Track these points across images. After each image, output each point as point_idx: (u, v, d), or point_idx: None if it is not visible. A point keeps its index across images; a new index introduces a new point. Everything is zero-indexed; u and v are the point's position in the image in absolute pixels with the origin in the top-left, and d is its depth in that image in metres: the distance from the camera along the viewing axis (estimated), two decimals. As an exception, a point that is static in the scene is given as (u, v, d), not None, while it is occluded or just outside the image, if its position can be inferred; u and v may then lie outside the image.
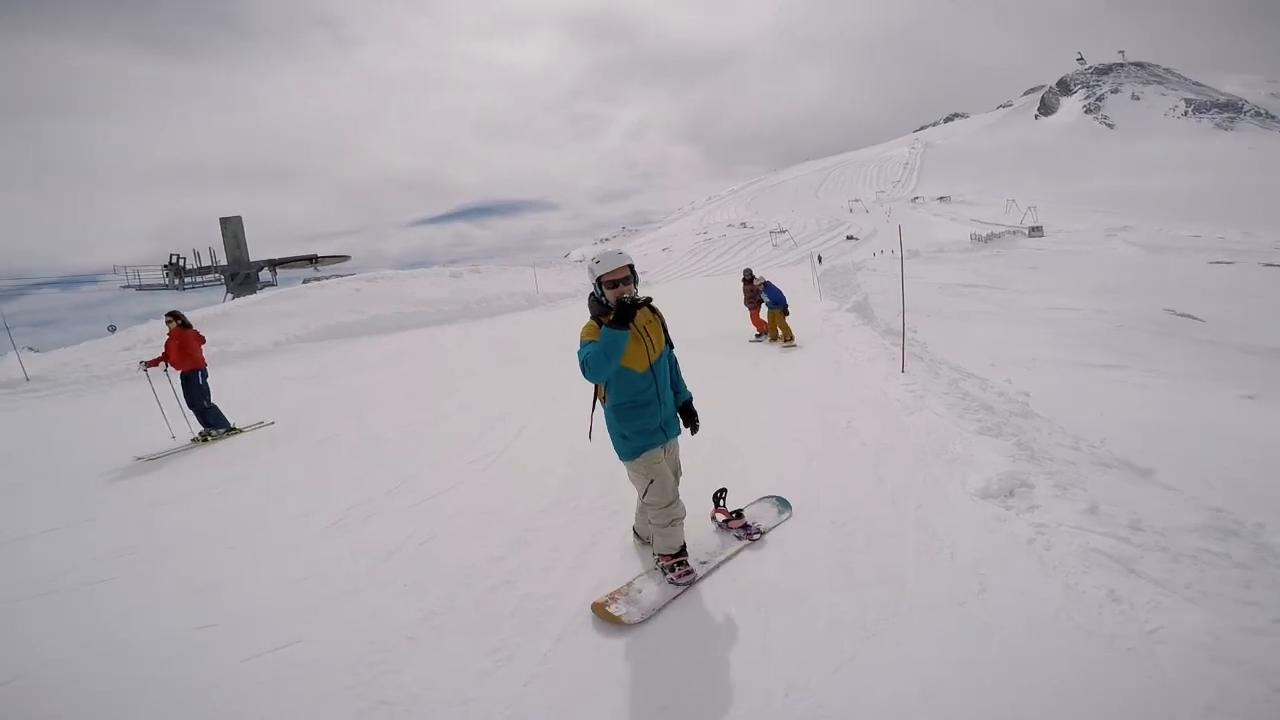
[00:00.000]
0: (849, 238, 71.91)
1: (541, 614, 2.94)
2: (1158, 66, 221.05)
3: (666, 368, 3.07)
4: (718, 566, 3.19)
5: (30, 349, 13.21)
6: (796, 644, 2.56)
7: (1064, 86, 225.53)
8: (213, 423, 7.24)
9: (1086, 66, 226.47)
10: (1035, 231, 43.69)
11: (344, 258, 34.55)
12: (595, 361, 2.71)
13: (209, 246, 30.75)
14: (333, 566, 3.64)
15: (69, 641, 3.15)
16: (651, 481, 2.96)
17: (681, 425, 3.19)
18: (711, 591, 3.03)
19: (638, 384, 2.91)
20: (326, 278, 25.25)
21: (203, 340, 7.65)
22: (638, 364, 2.88)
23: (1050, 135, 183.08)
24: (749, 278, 10.66)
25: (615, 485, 4.04)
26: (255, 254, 31.65)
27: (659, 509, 2.97)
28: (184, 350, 7.27)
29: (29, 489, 5.87)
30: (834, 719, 2.18)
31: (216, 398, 7.38)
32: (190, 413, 7.21)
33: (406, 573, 3.47)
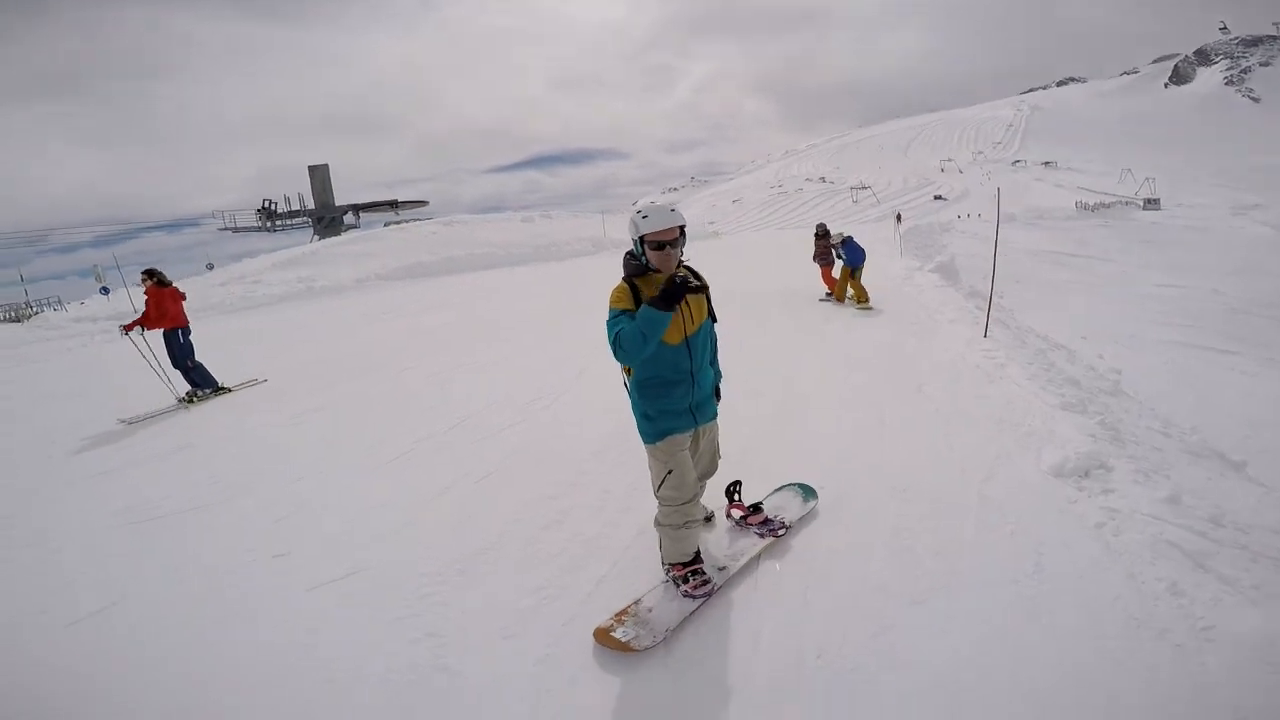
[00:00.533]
0: (936, 197, 67.64)
1: (587, 555, 3.01)
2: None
3: (706, 343, 2.69)
4: (740, 571, 2.82)
5: (137, 284, 14.52)
6: (838, 607, 2.53)
7: (1203, 56, 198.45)
8: (199, 382, 6.88)
9: (1231, 37, 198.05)
10: (1151, 204, 39.48)
11: (422, 203, 36.12)
12: (630, 342, 2.33)
13: (298, 192, 33.10)
14: (394, 499, 3.81)
15: (158, 566, 3.34)
16: (670, 472, 2.58)
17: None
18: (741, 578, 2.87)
19: (669, 359, 2.53)
20: (406, 221, 26.34)
21: (182, 297, 7.21)
22: (670, 335, 2.48)
23: (1180, 106, 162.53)
24: (822, 233, 9.88)
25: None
26: (340, 199, 33.60)
27: (673, 506, 2.59)
28: (161, 309, 6.85)
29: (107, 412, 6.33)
30: (865, 684, 2.15)
31: (302, 329, 7.77)
32: (176, 373, 6.85)
33: (463, 508, 3.62)
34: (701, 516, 2.77)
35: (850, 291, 8.83)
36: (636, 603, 2.64)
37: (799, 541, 3.04)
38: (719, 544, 3.00)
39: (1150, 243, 20.49)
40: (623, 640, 2.40)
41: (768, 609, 2.58)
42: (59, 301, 16.09)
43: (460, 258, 17.30)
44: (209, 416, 6.15)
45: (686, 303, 2.49)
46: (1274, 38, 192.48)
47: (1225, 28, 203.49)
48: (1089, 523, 2.95)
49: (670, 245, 2.43)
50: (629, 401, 2.66)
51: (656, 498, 2.63)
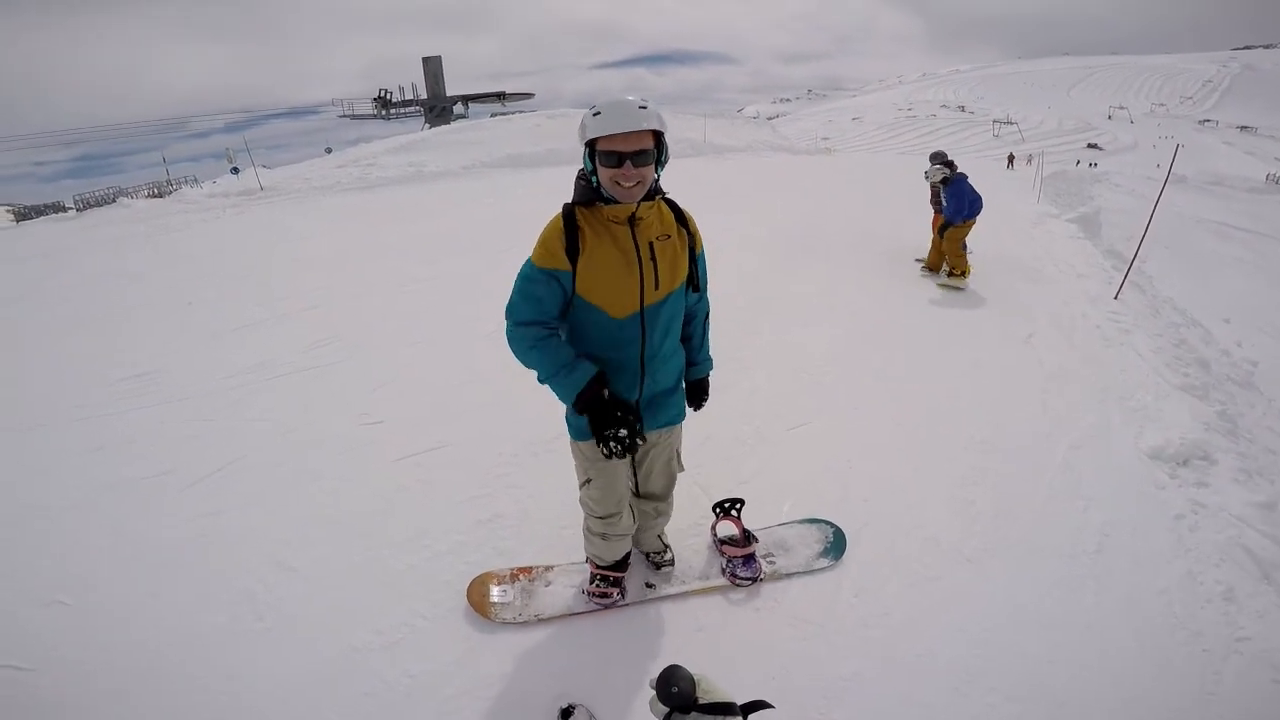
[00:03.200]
0: (1090, 145, 59.46)
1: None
2: None
3: (674, 320, 1.85)
4: (669, 598, 2.28)
5: (264, 166, 15.95)
6: (883, 552, 2.53)
7: None
8: None
9: None
10: (1361, 187, 33.04)
11: (528, 95, 36.05)
12: (523, 355, 1.74)
13: (411, 82, 33.53)
14: (486, 375, 3.89)
15: (270, 429, 3.49)
16: (589, 481, 1.98)
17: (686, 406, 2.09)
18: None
19: (611, 334, 1.75)
20: (512, 113, 26.41)
21: None
22: (619, 304, 1.72)
23: None
24: (930, 169, 6.30)
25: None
26: (451, 90, 33.97)
27: (593, 516, 2.06)
28: None
29: (255, 280, 6.48)
30: (892, 629, 2.19)
31: (413, 207, 7.80)
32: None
33: (545, 390, 3.67)
34: (628, 532, 2.11)
35: (948, 260, 6.10)
36: (548, 568, 2.37)
37: (861, 473, 2.97)
38: (678, 554, 2.44)
39: (1346, 230, 17.35)
40: (491, 601, 2.21)
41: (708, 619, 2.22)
42: (195, 180, 17.34)
43: (563, 150, 17.30)
44: (335, 276, 6.52)
45: (653, 252, 1.72)
46: None
47: None
48: (1169, 512, 2.81)
49: (633, 160, 1.58)
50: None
51: (579, 499, 2.10)
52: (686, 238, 1.82)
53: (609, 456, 1.71)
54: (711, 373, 2.14)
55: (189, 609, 2.28)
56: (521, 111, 27.33)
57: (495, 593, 2.25)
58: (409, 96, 33.58)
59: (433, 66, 33.50)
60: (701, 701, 1.04)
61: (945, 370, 4.19)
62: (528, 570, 2.36)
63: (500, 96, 34.78)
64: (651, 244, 1.72)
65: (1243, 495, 2.87)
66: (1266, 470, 3.14)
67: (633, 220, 1.69)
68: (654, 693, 1.07)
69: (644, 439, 1.77)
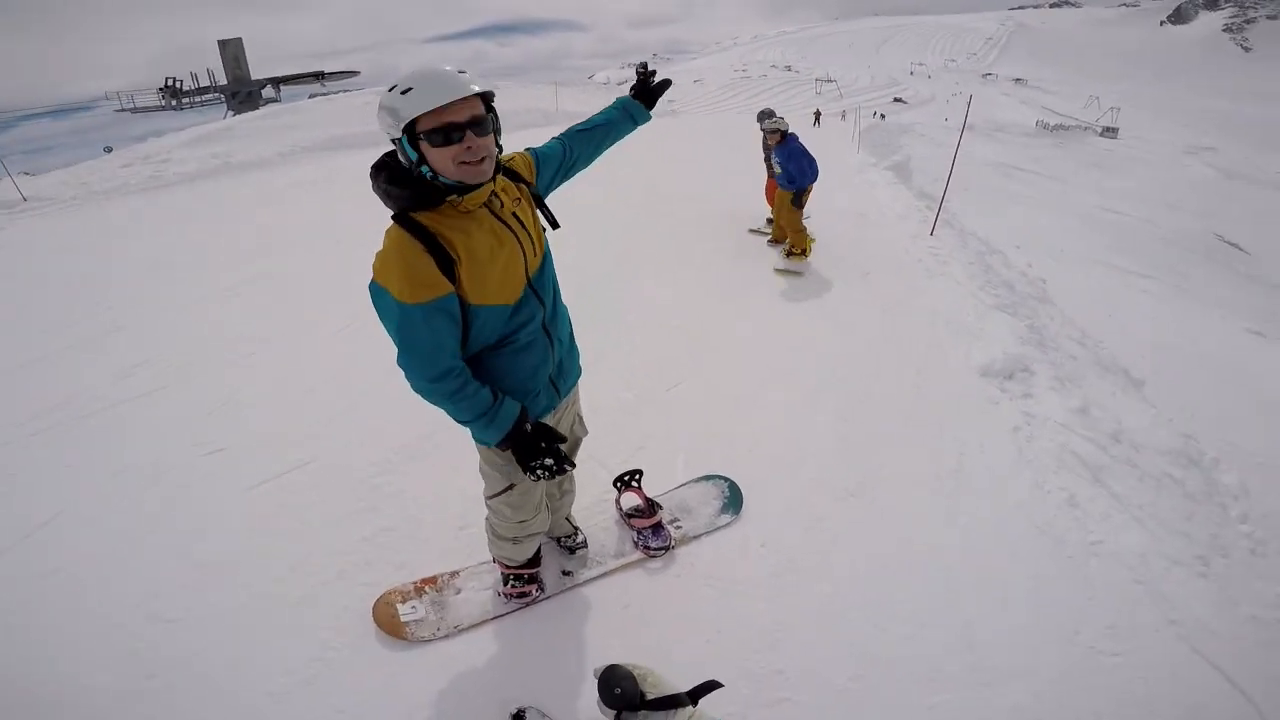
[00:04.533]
0: (896, 99, 66.42)
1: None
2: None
3: (554, 272, 1.72)
4: (588, 582, 2.23)
5: (25, 173, 12.85)
6: (776, 499, 2.63)
7: (1211, 1, 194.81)
8: None
9: None
10: (1109, 132, 40.07)
11: (353, 73, 33.16)
12: (437, 402, 1.52)
13: (207, 69, 29.47)
14: (336, 379, 3.57)
15: (95, 472, 2.93)
16: (510, 488, 1.80)
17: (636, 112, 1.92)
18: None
19: (509, 320, 1.56)
20: (335, 94, 24.15)
21: None
22: (509, 290, 1.53)
23: (1171, 44, 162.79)
24: (765, 122, 5.76)
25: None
26: (258, 74, 30.35)
27: (507, 521, 1.89)
28: None
29: (37, 305, 5.32)
30: (801, 572, 2.30)
31: (220, 204, 6.67)
32: None
33: (403, 387, 3.29)
34: (542, 529, 1.98)
35: (786, 232, 5.65)
36: (454, 575, 2.22)
37: (736, 431, 3.05)
38: (588, 534, 2.40)
39: (1098, 167, 21.02)
40: (402, 620, 2.03)
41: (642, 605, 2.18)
42: None
43: (395, 128, 16.21)
44: (139, 290, 5.41)
45: (519, 222, 1.55)
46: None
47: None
48: (1007, 425, 3.16)
49: (474, 130, 1.35)
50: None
51: (486, 504, 1.91)
52: (527, 189, 1.63)
53: (537, 480, 1.58)
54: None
55: (67, 674, 1.97)
56: (346, 91, 25.06)
57: (404, 610, 2.07)
58: (206, 84, 29.47)
59: (232, 49, 29.70)
60: (649, 697, 0.99)
61: (799, 316, 4.47)
62: (432, 580, 2.19)
63: (319, 76, 31.59)
64: (514, 213, 1.54)
65: (1061, 402, 3.31)
66: (1074, 377, 3.66)
67: (490, 203, 1.49)
68: (598, 696, 1.03)
69: (573, 464, 1.63)
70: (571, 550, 2.31)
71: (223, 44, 29.70)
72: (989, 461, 2.92)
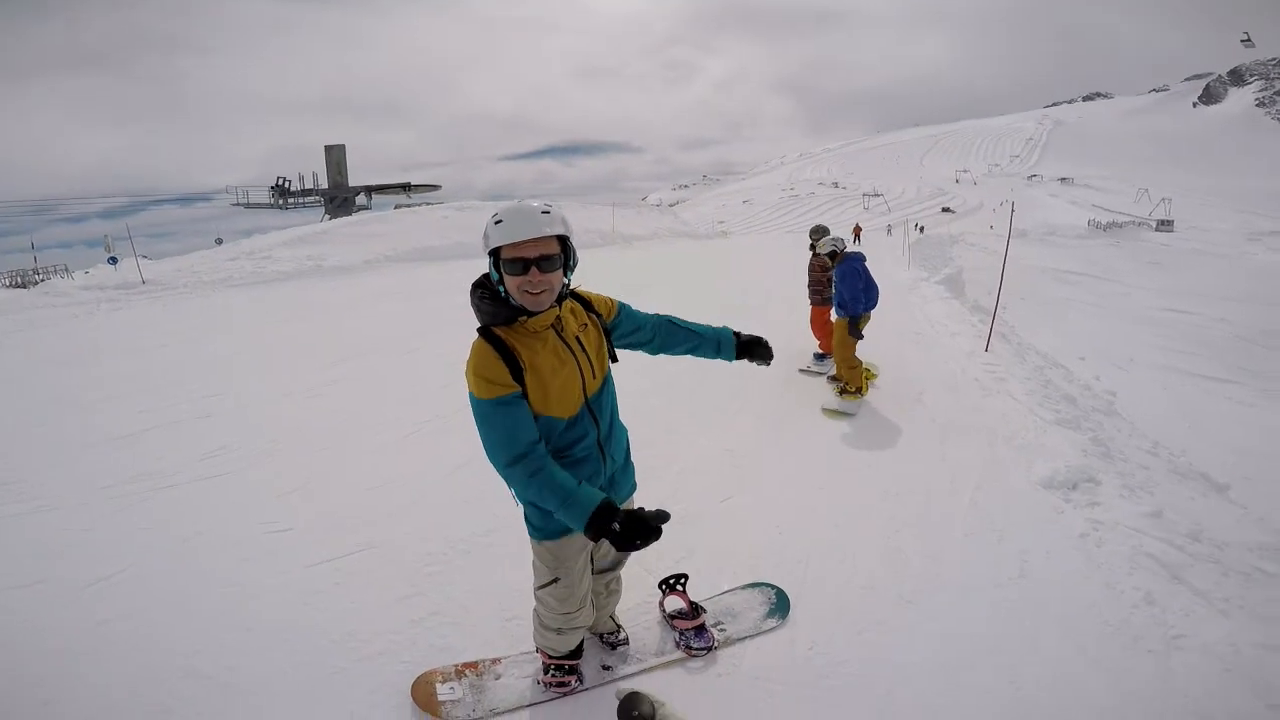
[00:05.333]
0: (944, 209, 67.72)
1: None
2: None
3: (614, 398, 1.91)
4: (628, 677, 2.22)
5: (145, 257, 14.35)
6: (826, 605, 2.59)
7: (1236, 76, 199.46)
8: None
9: (1270, 58, 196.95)
10: (1164, 225, 39.49)
11: (435, 186, 36.27)
12: (522, 487, 1.67)
13: (312, 171, 33.30)
14: (403, 476, 3.80)
15: (164, 537, 3.20)
16: (555, 581, 1.91)
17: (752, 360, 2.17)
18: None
19: (565, 434, 1.75)
20: (418, 205, 26.39)
21: None
22: (566, 404, 1.72)
23: (1208, 126, 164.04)
24: (819, 242, 5.60)
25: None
26: (354, 181, 33.81)
27: (553, 612, 1.99)
28: None
29: (139, 386, 5.96)
30: (851, 677, 2.23)
31: (311, 305, 7.54)
32: None
33: (469, 487, 3.51)
34: (586, 623, 2.06)
35: (837, 373, 5.20)
36: (495, 661, 2.26)
37: (798, 532, 3.06)
38: (630, 633, 2.40)
39: (1158, 265, 20.50)
40: (439, 700, 2.07)
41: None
42: (65, 269, 16.23)
43: (470, 243, 17.42)
44: (229, 382, 6.11)
45: (582, 346, 1.76)
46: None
47: (1248, 39, 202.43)
48: (1073, 533, 3.06)
49: (539, 266, 1.58)
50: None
51: (535, 594, 2.02)
52: (598, 320, 1.86)
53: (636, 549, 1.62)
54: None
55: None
56: (429, 204, 27.40)
57: (442, 690, 2.11)
58: (309, 185, 33.01)
59: (335, 155, 33.28)
60: None
61: (851, 440, 4.42)
62: (474, 665, 2.23)
63: (405, 188, 34.78)
64: (578, 337, 1.77)
65: (1131, 508, 3.19)
66: (1145, 484, 3.53)
67: (557, 325, 1.73)
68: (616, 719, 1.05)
69: (665, 518, 1.62)
70: (613, 646, 2.34)
71: (329, 149, 33.30)
72: (1055, 566, 2.82)
